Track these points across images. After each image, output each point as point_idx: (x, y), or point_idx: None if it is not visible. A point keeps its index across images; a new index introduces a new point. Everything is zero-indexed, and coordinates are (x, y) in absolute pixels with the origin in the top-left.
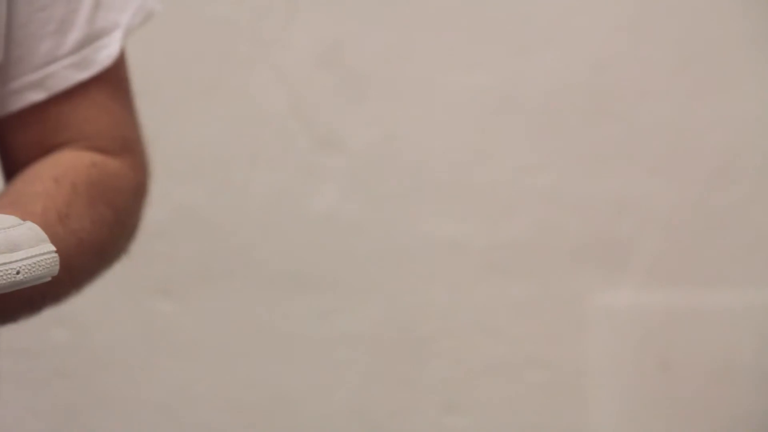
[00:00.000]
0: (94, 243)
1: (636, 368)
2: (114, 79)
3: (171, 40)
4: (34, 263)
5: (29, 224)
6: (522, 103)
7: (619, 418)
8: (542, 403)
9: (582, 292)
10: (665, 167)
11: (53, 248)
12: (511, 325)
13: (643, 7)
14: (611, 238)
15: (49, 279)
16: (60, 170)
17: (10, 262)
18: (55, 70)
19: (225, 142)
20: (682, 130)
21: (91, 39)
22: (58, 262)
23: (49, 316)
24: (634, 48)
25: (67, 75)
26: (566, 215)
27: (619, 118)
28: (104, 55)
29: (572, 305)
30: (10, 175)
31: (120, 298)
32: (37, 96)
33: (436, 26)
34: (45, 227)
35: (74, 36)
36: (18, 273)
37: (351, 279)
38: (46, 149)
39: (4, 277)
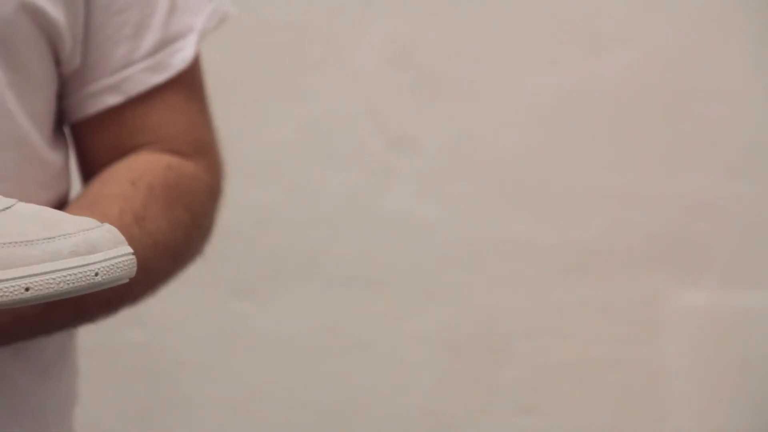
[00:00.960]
0: (170, 245)
1: (714, 369)
2: (189, 82)
3: (245, 42)
4: (113, 265)
5: (107, 226)
6: (597, 102)
7: (697, 419)
8: (619, 405)
9: (659, 292)
10: (742, 167)
11: (131, 250)
12: (587, 326)
13: (719, 5)
14: (688, 239)
15: (127, 280)
16: (136, 173)
17: (89, 264)
18: (131, 73)
19: (299, 143)
20: (759, 130)
21: (166, 42)
22: (135, 264)
23: (126, 316)
24: (710, 46)
25: (143, 78)
26: (642, 216)
27: (696, 118)
28: (179, 59)
29: (649, 306)
30: (87, 177)
31: (195, 299)
32: (113, 99)
33: (508, 26)
34: (121, 229)
35: (150, 40)
36: (97, 275)
37: (425, 280)
38: (122, 152)
39: (83, 279)
